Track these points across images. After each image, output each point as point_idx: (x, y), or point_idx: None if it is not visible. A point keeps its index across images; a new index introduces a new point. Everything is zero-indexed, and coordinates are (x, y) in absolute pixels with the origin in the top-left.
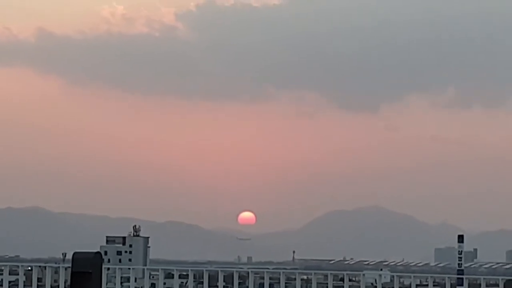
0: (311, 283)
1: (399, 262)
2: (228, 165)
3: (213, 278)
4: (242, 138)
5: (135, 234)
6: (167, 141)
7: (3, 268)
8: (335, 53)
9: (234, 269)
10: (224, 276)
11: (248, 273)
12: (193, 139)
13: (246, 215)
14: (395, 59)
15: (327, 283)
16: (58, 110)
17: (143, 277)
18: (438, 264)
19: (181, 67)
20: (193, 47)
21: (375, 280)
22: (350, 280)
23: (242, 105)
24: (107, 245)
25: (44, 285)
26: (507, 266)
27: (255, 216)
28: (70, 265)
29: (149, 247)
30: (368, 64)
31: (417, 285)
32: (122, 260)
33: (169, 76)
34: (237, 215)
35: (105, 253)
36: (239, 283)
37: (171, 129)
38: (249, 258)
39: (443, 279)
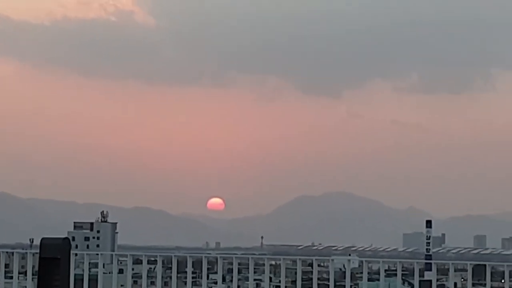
0: (280, 268)
1: (367, 248)
2: (193, 150)
3: (181, 263)
4: (205, 123)
5: (102, 220)
6: (130, 126)
7: None
8: (297, 38)
9: (203, 255)
10: (192, 261)
11: (216, 258)
12: (156, 124)
13: (215, 201)
14: (358, 44)
15: (295, 269)
16: (17, 93)
17: (111, 262)
18: (406, 249)
19: (141, 52)
20: (152, 32)
21: (343, 266)
22: (318, 266)
23: (204, 90)
24: (75, 231)
25: (12, 271)
26: (475, 251)
27: (224, 202)
28: (37, 251)
29: (117, 232)
30: (331, 49)
31: (385, 270)
32: (90, 246)
33: (129, 60)
34: (206, 201)
35: (73, 238)
36: (208, 269)
37: (134, 114)
38: (217, 243)
39: (412, 264)
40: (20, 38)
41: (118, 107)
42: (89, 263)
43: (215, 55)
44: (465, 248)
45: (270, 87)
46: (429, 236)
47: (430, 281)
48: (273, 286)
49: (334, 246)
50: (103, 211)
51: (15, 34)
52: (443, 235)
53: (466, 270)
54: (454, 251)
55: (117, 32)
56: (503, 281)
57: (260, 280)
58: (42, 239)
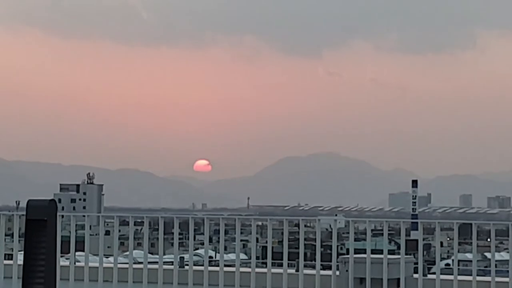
0: (266, 229)
1: (353, 208)
2: (177, 112)
3: (168, 225)
4: (186, 85)
5: (89, 181)
6: (112, 88)
7: None
8: None
9: (190, 216)
10: (179, 223)
11: (203, 219)
12: (137, 86)
13: (202, 163)
14: (338, 4)
15: (282, 229)
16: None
17: (98, 224)
18: (392, 209)
19: (118, 13)
20: None
21: (330, 226)
22: (305, 226)
23: (183, 51)
24: (61, 192)
25: None
26: (461, 210)
27: (210, 163)
28: (24, 212)
29: (103, 194)
30: (310, 9)
31: (372, 230)
32: (76, 208)
33: (106, 21)
34: (192, 163)
35: (59, 200)
36: (195, 230)
37: (114, 75)
38: (204, 205)
39: (398, 223)
40: None
41: (98, 68)
42: (76, 224)
43: (192, 16)
44: (451, 208)
45: (249, 48)
46: (415, 196)
47: (417, 240)
48: (259, 247)
49: (320, 207)
50: (89, 173)
51: None
52: (429, 194)
53: (452, 229)
54: (440, 210)
55: None
56: (488, 239)
57: (247, 240)
58: (29, 201)
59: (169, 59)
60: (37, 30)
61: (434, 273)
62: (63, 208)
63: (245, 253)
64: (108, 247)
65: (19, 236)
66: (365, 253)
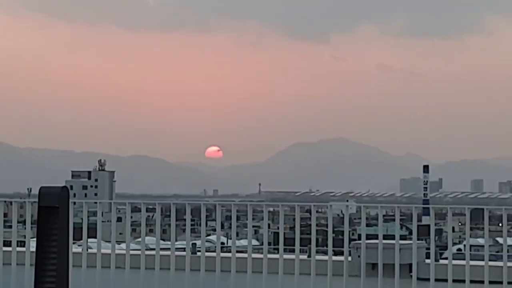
0: (278, 215)
1: (364, 193)
2: (187, 99)
3: (180, 211)
4: (193, 70)
5: (100, 168)
6: (121, 75)
7: None
8: None
9: (201, 202)
10: (191, 209)
11: (215, 205)
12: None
13: (213, 149)
14: None
15: (294, 215)
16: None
17: (110, 211)
18: (403, 194)
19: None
20: None
21: (341, 211)
22: (317, 212)
23: (188, 36)
24: (73, 179)
25: (10, 220)
26: (472, 196)
27: (221, 150)
28: (36, 200)
29: (114, 181)
30: None
31: (383, 215)
32: (88, 195)
33: (112, 7)
34: (204, 149)
35: (71, 187)
36: (206, 216)
37: (121, 62)
38: (215, 191)
39: (409, 209)
40: None
41: (106, 54)
42: (88, 211)
43: (197, 2)
44: (462, 193)
45: (255, 33)
46: (426, 181)
47: (428, 225)
48: (271, 232)
49: (331, 192)
50: (100, 160)
51: None
52: (440, 179)
53: (464, 215)
54: (451, 195)
55: None
56: (500, 224)
57: (259, 226)
58: (41, 188)
59: (175, 45)
60: (41, 15)
61: (446, 258)
62: (74, 195)
63: (257, 239)
64: (120, 233)
65: (31, 223)
66: (377, 238)
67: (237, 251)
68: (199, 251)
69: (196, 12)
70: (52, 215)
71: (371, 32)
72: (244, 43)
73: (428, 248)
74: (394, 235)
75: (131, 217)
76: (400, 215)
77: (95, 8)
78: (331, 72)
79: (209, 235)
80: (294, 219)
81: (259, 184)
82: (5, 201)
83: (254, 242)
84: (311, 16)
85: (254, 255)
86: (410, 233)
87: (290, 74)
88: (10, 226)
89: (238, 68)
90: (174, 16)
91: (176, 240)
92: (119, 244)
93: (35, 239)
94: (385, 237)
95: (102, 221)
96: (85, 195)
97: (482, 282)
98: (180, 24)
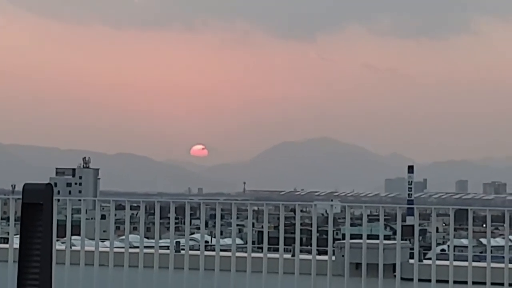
0: (262, 213)
1: (349, 193)
2: (172, 97)
3: (164, 209)
4: (179, 69)
5: (85, 166)
6: (104, 72)
7: None
8: None
9: (186, 200)
10: (175, 207)
11: (199, 204)
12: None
13: (198, 148)
14: None
15: (278, 214)
16: None
17: (94, 208)
18: (388, 194)
19: None
20: None
21: (326, 211)
22: (301, 211)
23: (174, 34)
24: (57, 176)
25: None
26: (457, 196)
27: (207, 148)
28: (20, 196)
29: (99, 178)
30: None
31: (368, 215)
32: (72, 192)
33: (98, 4)
34: (189, 148)
35: (55, 184)
36: (190, 214)
37: (107, 59)
38: (200, 189)
39: (394, 209)
40: None
41: (92, 52)
42: (72, 208)
43: (183, 0)
44: (446, 193)
45: (241, 31)
46: (411, 182)
47: (412, 226)
48: (255, 231)
49: (316, 192)
50: (85, 157)
51: None
52: (425, 180)
53: (448, 215)
54: (436, 196)
55: None
56: (484, 225)
57: (243, 225)
58: (25, 184)
59: (161, 43)
60: (30, 13)
61: (429, 259)
62: (59, 192)
63: (241, 238)
64: (104, 231)
65: (15, 220)
66: (361, 238)
67: (221, 250)
68: (183, 249)
69: (182, 10)
70: (36, 212)
71: (358, 31)
72: (231, 41)
73: (412, 248)
74: (378, 235)
75: (115, 214)
76: (385, 215)
77: (81, 6)
78: (318, 72)
79: (193, 233)
80: (278, 218)
81: (244, 183)
82: None
83: (238, 241)
84: (298, 15)
85: (238, 254)
86: (394, 233)
87: (276, 73)
88: None
89: (224, 67)
90: (160, 14)
91: (160, 238)
92: (103, 241)
93: (18, 236)
94: (369, 237)
95: (86, 219)
96: (69, 192)
97: (466, 282)
98: (166, 22)
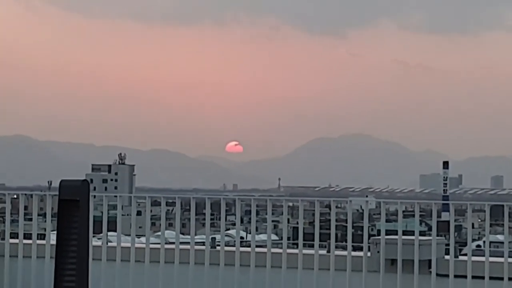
0: (297, 210)
1: (384, 189)
2: (206, 93)
3: (199, 205)
4: (210, 65)
5: (120, 162)
6: (137, 68)
7: None
8: None
9: (221, 196)
10: (211, 203)
11: (234, 200)
12: (164, 66)
13: (234, 144)
14: None
15: (313, 210)
16: (14, 35)
17: (130, 204)
18: (423, 190)
19: None
20: None
21: (361, 207)
22: (336, 207)
23: (204, 30)
24: (93, 173)
25: (31, 213)
26: (492, 192)
27: (242, 145)
28: (56, 193)
29: (134, 175)
30: None
31: (403, 211)
32: (108, 188)
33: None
34: (224, 144)
35: (91, 181)
36: (226, 210)
37: (138, 55)
38: (235, 185)
39: (429, 205)
40: None
41: (123, 48)
42: (108, 205)
43: None
44: (482, 189)
45: (271, 27)
46: (446, 177)
47: (448, 221)
48: (290, 227)
49: (351, 188)
50: (120, 153)
51: None
52: (460, 176)
53: (484, 211)
54: (471, 191)
55: None
56: None
57: (278, 221)
58: (61, 181)
59: (193, 39)
60: (56, 9)
61: (465, 255)
62: (95, 188)
63: (276, 234)
64: (140, 227)
65: (52, 216)
66: (396, 234)
67: (257, 246)
68: (218, 245)
69: (213, 5)
70: (72, 208)
71: (389, 27)
72: (261, 37)
73: (448, 244)
74: (413, 231)
75: (151, 210)
76: (420, 211)
77: (110, 2)
78: (349, 67)
79: (228, 229)
80: (313, 214)
81: (279, 179)
82: (25, 194)
83: (274, 237)
84: (328, 11)
85: (273, 250)
86: (430, 229)
87: (307, 69)
88: (31, 219)
89: (256, 62)
90: (191, 10)
91: (196, 234)
92: (138, 237)
93: (55, 232)
94: (405, 233)
95: (122, 215)
96: (105, 188)
97: (502, 278)
98: (197, 18)
